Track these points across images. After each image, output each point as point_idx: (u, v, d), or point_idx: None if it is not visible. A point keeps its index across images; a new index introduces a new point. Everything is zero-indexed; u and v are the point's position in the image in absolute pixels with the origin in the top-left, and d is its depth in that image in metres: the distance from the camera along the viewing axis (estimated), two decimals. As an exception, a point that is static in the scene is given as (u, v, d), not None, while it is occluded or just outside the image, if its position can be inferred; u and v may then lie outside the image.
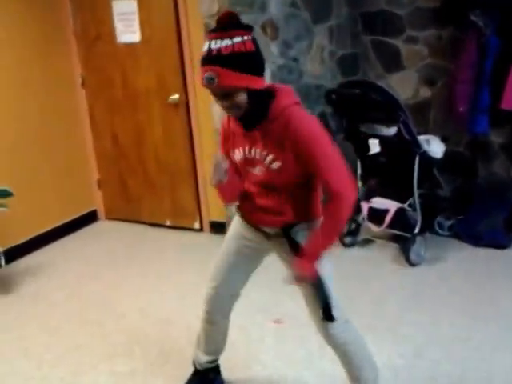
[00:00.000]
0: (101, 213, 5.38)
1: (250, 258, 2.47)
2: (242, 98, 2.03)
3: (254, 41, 2.04)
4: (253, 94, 2.04)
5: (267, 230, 2.33)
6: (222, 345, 2.71)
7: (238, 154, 2.25)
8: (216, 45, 1.96)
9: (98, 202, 5.34)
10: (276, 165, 2.13)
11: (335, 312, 2.27)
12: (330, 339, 2.37)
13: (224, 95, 2.03)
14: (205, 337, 2.66)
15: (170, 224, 5.02)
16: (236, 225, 2.49)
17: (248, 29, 2.04)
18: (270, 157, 2.13)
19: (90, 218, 5.28)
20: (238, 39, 1.97)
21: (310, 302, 2.32)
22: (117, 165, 5.12)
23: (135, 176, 5.07)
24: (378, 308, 3.48)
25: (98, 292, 3.98)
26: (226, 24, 2.00)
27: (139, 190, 5.10)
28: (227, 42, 1.95)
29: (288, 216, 2.25)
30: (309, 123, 2.11)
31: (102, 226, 5.29)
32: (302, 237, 2.26)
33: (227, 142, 2.30)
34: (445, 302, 3.49)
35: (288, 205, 2.24)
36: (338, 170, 2.10)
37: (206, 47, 2.00)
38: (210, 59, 1.98)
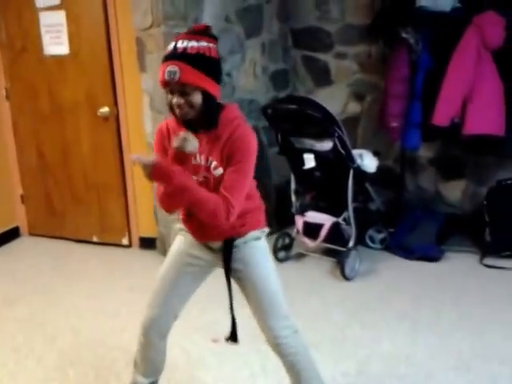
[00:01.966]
0: (23, 229, 5.16)
1: (192, 277, 2.42)
2: (198, 98, 2.07)
3: (217, 51, 2.12)
4: (208, 98, 2.09)
5: (212, 245, 2.33)
6: (161, 366, 2.62)
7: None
8: (182, 44, 2.05)
9: (20, 218, 5.13)
10: (219, 171, 2.15)
11: (284, 322, 2.32)
12: (279, 349, 2.36)
13: (181, 92, 2.06)
14: (142, 359, 2.57)
15: (96, 240, 4.88)
16: (179, 243, 2.43)
17: (215, 39, 2.13)
18: (214, 163, 2.15)
19: (12, 234, 5.06)
20: (203, 43, 2.06)
21: (258, 312, 2.33)
22: (42, 179, 4.94)
23: (61, 191, 4.91)
24: (317, 324, 3.46)
25: (26, 313, 3.79)
26: (196, 31, 2.11)
27: (65, 205, 4.93)
28: (193, 43, 2.05)
29: (228, 228, 2.24)
30: (250, 140, 2.16)
31: (24, 242, 5.08)
32: (248, 249, 2.29)
33: (164, 150, 2.24)
34: (384, 317, 3.52)
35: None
36: (239, 191, 2.13)
37: (171, 46, 2.08)
38: (175, 55, 2.05)
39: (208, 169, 2.16)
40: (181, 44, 2.05)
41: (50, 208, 5.00)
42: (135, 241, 4.76)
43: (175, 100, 2.08)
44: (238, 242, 2.29)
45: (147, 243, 4.65)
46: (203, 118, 2.12)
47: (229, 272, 2.32)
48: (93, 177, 4.73)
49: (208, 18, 4.07)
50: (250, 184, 2.20)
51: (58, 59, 4.51)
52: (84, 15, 4.33)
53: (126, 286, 4.08)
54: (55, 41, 4.44)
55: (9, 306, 3.90)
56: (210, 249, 2.35)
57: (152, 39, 3.95)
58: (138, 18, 3.98)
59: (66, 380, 3.05)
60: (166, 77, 2.04)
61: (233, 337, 2.48)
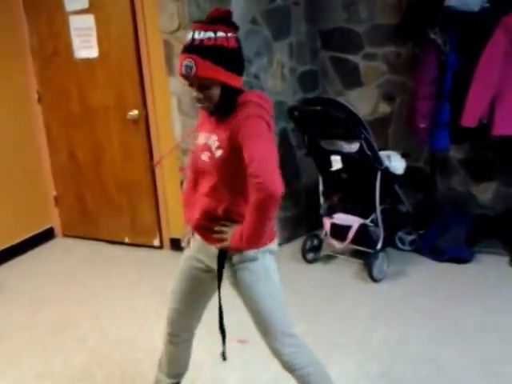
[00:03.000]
0: (58, 230, 5.26)
1: (201, 281, 2.39)
2: (216, 91, 2.03)
3: (237, 40, 2.05)
4: (227, 90, 2.04)
5: (210, 249, 2.26)
6: (184, 368, 2.64)
7: (200, 137, 2.22)
8: (199, 35, 1.98)
9: (54, 219, 5.22)
10: (219, 152, 2.09)
11: (286, 339, 2.27)
12: (284, 365, 2.32)
13: (199, 86, 2.03)
14: (167, 359, 2.59)
15: (128, 241, 4.94)
16: (189, 248, 2.43)
17: (234, 27, 2.05)
18: (217, 143, 2.10)
19: (46, 235, 5.16)
20: (221, 34, 1.99)
21: (257, 329, 2.32)
22: (74, 181, 5.03)
23: (93, 192, 4.98)
24: (343, 326, 3.46)
25: (57, 313, 3.86)
26: (214, 18, 2.01)
27: (97, 207, 5.01)
28: (210, 34, 1.97)
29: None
30: (254, 121, 2.03)
31: (58, 243, 5.17)
32: (240, 270, 2.21)
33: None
34: (410, 319, 3.50)
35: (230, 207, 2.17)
36: (268, 164, 1.97)
37: (189, 36, 2.02)
38: (191, 48, 1.99)
39: (210, 149, 2.12)
40: (197, 35, 1.98)
41: (83, 209, 5.09)
42: (166, 242, 4.81)
43: (194, 94, 2.06)
44: (234, 258, 2.20)
45: (178, 244, 4.65)
46: (221, 108, 2.08)
47: (220, 282, 2.25)
48: (124, 179, 4.79)
49: (234, 20, 4.08)
50: (274, 157, 2.00)
51: (87, 62, 4.58)
52: (112, 18, 4.38)
53: (155, 287, 4.12)
54: (85, 44, 4.52)
55: (40, 306, 3.98)
56: (210, 254, 2.27)
57: (179, 42, 3.98)
58: (165, 20, 4.01)
59: (93, 380, 3.10)
60: (183, 71, 2.01)
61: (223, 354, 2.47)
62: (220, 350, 3.23)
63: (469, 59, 4.00)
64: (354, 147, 3.95)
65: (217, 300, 2.35)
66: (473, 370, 2.97)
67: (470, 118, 3.99)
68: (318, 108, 3.91)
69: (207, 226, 2.22)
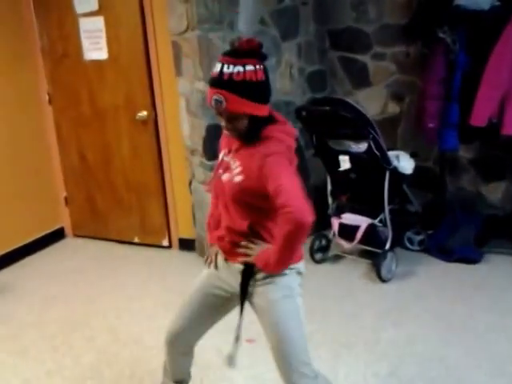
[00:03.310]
0: (68, 230, 5.30)
1: (218, 302, 2.37)
2: (244, 122, 2.05)
3: (265, 70, 2.05)
4: (254, 120, 2.06)
5: (234, 266, 2.25)
6: (188, 376, 2.64)
7: (221, 154, 2.26)
8: (228, 69, 1.98)
9: (65, 219, 5.26)
10: (239, 178, 2.09)
11: (303, 369, 2.19)
12: None
13: (228, 118, 2.05)
14: (170, 366, 2.59)
15: (138, 241, 4.97)
16: (208, 272, 2.41)
17: (263, 58, 2.06)
18: (239, 169, 2.10)
19: (57, 235, 5.20)
20: (250, 68, 1.99)
21: (273, 353, 2.25)
22: (84, 182, 5.06)
23: (103, 193, 5.02)
24: (351, 326, 3.47)
25: (67, 312, 3.90)
26: (245, 50, 2.01)
27: (107, 207, 5.04)
28: (239, 68, 1.98)
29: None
30: (279, 159, 2.03)
31: (69, 243, 5.22)
32: (268, 284, 2.18)
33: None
34: (419, 319, 3.50)
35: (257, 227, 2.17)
36: (296, 194, 1.99)
37: (217, 69, 2.02)
38: (221, 83, 2.00)
39: (231, 171, 2.13)
40: (226, 69, 1.98)
41: (93, 210, 5.12)
42: (175, 242, 4.83)
43: (223, 124, 2.09)
44: (259, 274, 2.19)
45: (187, 244, 4.71)
46: (246, 136, 2.10)
47: (244, 297, 2.23)
48: (133, 179, 4.82)
49: (243, 21, 4.10)
50: (300, 188, 2.02)
51: (97, 64, 4.60)
52: (122, 20, 4.41)
53: (164, 286, 4.15)
54: (95, 46, 4.54)
55: (50, 305, 4.02)
56: (234, 271, 2.26)
57: (187, 43, 4.00)
58: (174, 21, 4.03)
59: (102, 378, 3.13)
60: (213, 104, 2.03)
61: (230, 360, 2.39)
62: (227, 349, 3.27)
63: (478, 58, 3.99)
64: (362, 147, 3.95)
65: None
66: (481, 370, 2.97)
67: (479, 117, 3.98)
68: (327, 108, 3.91)
69: (233, 241, 2.21)
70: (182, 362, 2.56)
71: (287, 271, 2.17)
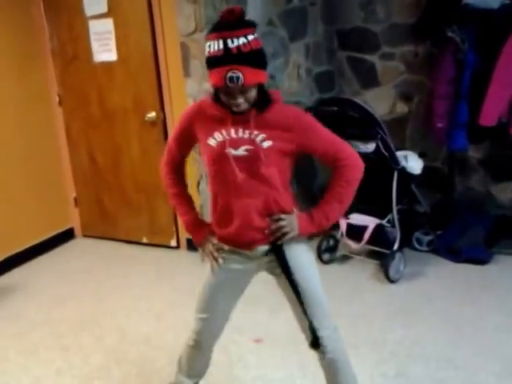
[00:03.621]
0: (77, 230, 5.34)
1: (236, 282, 2.40)
2: (254, 93, 2.07)
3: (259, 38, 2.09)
4: (261, 87, 2.11)
5: (251, 253, 2.27)
6: (206, 369, 2.65)
7: (216, 138, 2.17)
8: (233, 44, 1.97)
9: (74, 220, 5.30)
10: (267, 143, 2.12)
11: (327, 321, 2.31)
12: (321, 347, 2.32)
13: (241, 92, 2.05)
14: (188, 363, 2.58)
15: (146, 241, 5.00)
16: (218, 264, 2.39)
17: (254, 25, 2.05)
18: (262, 136, 2.12)
19: (66, 235, 5.24)
20: (251, 37, 2.00)
21: (301, 312, 2.30)
22: (93, 182, 5.09)
23: (112, 194, 5.04)
24: (359, 326, 3.46)
25: (76, 312, 3.92)
26: (235, 21, 1.99)
27: (116, 208, 5.07)
28: (243, 40, 1.98)
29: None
30: (303, 114, 2.25)
31: (78, 243, 5.25)
32: (294, 250, 2.26)
33: (192, 129, 2.25)
34: (427, 320, 3.49)
35: (278, 199, 2.20)
36: (342, 143, 2.27)
37: (219, 46, 1.98)
38: (232, 58, 1.98)
39: (252, 142, 2.12)
40: (232, 44, 1.97)
41: (102, 210, 5.15)
42: (183, 242, 4.85)
43: (235, 101, 2.07)
44: (285, 245, 2.25)
45: (194, 245, 4.72)
46: (259, 105, 2.12)
47: (290, 276, 2.25)
48: (142, 180, 4.84)
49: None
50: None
51: (106, 66, 4.63)
52: (130, 22, 4.43)
53: (172, 286, 4.17)
54: (104, 48, 4.57)
55: (60, 304, 4.05)
56: (250, 258, 2.29)
57: (196, 44, 4.02)
58: (182, 23, 4.05)
59: (111, 377, 3.15)
60: (228, 83, 1.99)
61: (314, 343, 2.33)
62: (235, 349, 3.29)
63: (487, 57, 3.97)
64: (370, 147, 3.94)
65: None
66: (490, 371, 2.95)
67: (489, 117, 3.97)
68: (335, 108, 3.90)
69: (258, 227, 2.20)
70: (207, 354, 2.56)
71: (307, 240, 2.32)
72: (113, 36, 4.51)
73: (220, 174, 2.21)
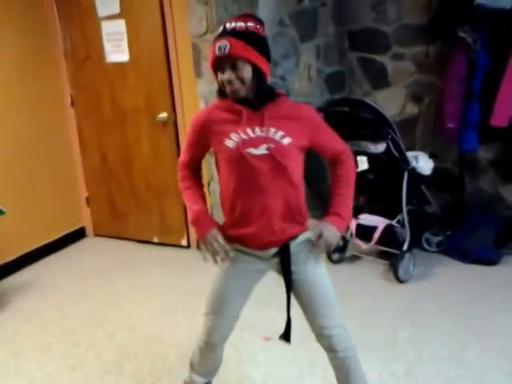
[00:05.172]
0: (89, 230, 5.38)
1: (246, 283, 2.41)
2: (248, 73, 2.10)
3: (264, 32, 2.18)
4: (258, 73, 2.13)
5: (263, 254, 2.29)
6: (218, 367, 2.67)
7: (233, 139, 2.16)
8: (231, 25, 2.11)
9: (86, 219, 5.34)
10: (287, 140, 2.15)
11: (337, 320, 2.35)
12: (331, 346, 2.35)
13: (232, 66, 2.10)
14: (200, 362, 2.60)
15: (157, 241, 5.03)
16: (229, 263, 2.39)
17: (261, 22, 2.18)
18: (281, 133, 2.15)
19: (78, 234, 5.29)
20: (251, 24, 2.13)
21: (312, 312, 2.34)
22: (105, 182, 5.14)
23: (123, 193, 5.08)
24: (368, 326, 3.47)
25: (88, 309, 3.97)
26: (242, 14, 2.19)
27: (127, 207, 5.11)
28: (241, 23, 2.11)
29: (301, 217, 2.29)
30: (312, 111, 2.31)
31: (90, 242, 5.30)
32: (303, 250, 2.30)
33: (204, 137, 2.26)
34: (436, 320, 3.50)
35: (298, 197, 2.26)
36: (339, 139, 2.36)
37: (220, 29, 2.14)
38: (224, 33, 2.11)
39: (272, 140, 2.14)
40: (229, 25, 2.11)
41: (114, 210, 5.19)
42: (193, 242, 4.87)
43: (226, 76, 2.11)
44: (293, 244, 2.28)
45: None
46: (255, 94, 2.16)
47: (289, 276, 2.29)
48: (153, 180, 4.88)
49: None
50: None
51: (119, 66, 4.67)
52: (142, 23, 4.46)
53: (182, 285, 4.20)
54: (116, 49, 4.61)
55: (72, 303, 4.09)
56: (260, 258, 2.31)
57: (207, 45, 4.04)
58: (194, 24, 4.07)
59: (122, 373, 3.18)
60: (217, 51, 2.09)
61: (286, 336, 2.45)
62: (246, 346, 3.31)
63: (499, 58, 3.97)
64: (380, 148, 3.96)
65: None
66: (499, 371, 2.96)
67: (500, 117, 3.97)
68: (345, 109, 3.92)
69: (277, 229, 2.23)
70: (218, 353, 2.57)
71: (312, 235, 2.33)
72: (125, 37, 4.54)
73: (240, 175, 2.19)
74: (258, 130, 2.15)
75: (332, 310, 2.34)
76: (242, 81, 2.10)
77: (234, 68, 2.09)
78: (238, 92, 2.13)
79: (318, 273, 2.34)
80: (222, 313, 2.41)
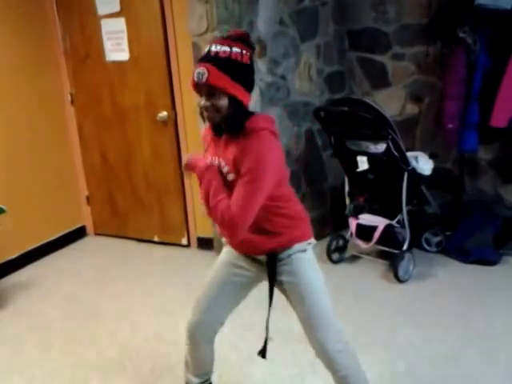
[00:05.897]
0: (89, 228, 5.39)
1: (238, 287, 2.43)
2: (224, 102, 2.07)
3: (250, 58, 2.13)
4: (235, 103, 2.08)
5: (256, 257, 2.33)
6: (210, 367, 2.67)
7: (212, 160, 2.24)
8: (216, 48, 2.08)
9: (86, 218, 5.35)
10: (231, 176, 2.15)
11: (336, 336, 2.31)
12: (331, 363, 2.33)
13: (209, 94, 2.07)
14: (192, 360, 2.62)
15: (157, 240, 5.04)
16: (226, 254, 2.47)
17: (250, 47, 2.14)
18: (226, 168, 2.15)
19: (79, 233, 5.29)
20: (236, 49, 2.08)
21: (306, 325, 2.33)
22: (105, 181, 5.14)
23: (124, 192, 5.09)
24: (368, 325, 3.49)
25: (89, 308, 3.97)
26: (233, 36, 2.13)
27: (127, 206, 5.11)
28: (226, 48, 2.07)
29: (272, 229, 2.25)
30: (269, 156, 2.07)
31: (90, 241, 5.30)
32: (294, 261, 2.28)
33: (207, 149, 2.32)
34: (436, 320, 3.51)
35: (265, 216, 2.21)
36: (246, 200, 2.07)
37: (206, 49, 2.12)
38: (206, 58, 2.09)
39: (221, 172, 2.17)
40: (214, 48, 2.07)
41: (114, 209, 5.19)
42: (193, 241, 4.88)
43: (202, 102, 2.10)
44: (283, 255, 2.27)
45: (205, 243, 4.75)
46: (227, 122, 2.12)
47: (273, 286, 2.31)
48: (153, 179, 4.88)
49: (262, 22, 4.12)
50: (261, 201, 2.09)
51: (119, 65, 4.67)
52: (143, 21, 4.46)
53: (183, 284, 4.21)
54: (116, 47, 4.61)
55: (73, 302, 4.09)
56: (255, 260, 2.34)
57: (207, 44, 4.03)
58: (194, 23, 4.07)
59: (124, 371, 3.19)
60: (195, 77, 2.07)
61: (262, 353, 2.48)
62: (246, 346, 3.32)
63: (499, 58, 3.97)
64: (380, 148, 3.97)
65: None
66: (498, 371, 2.97)
67: (500, 118, 3.97)
68: (345, 108, 3.92)
69: (253, 241, 2.27)
70: (204, 352, 2.58)
71: (307, 247, 2.30)
72: (125, 35, 4.54)
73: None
74: (216, 158, 2.20)
75: (328, 325, 2.31)
76: (218, 109, 2.08)
77: (211, 96, 2.07)
78: (213, 119, 2.13)
79: (309, 284, 2.30)
80: (205, 303, 2.45)
